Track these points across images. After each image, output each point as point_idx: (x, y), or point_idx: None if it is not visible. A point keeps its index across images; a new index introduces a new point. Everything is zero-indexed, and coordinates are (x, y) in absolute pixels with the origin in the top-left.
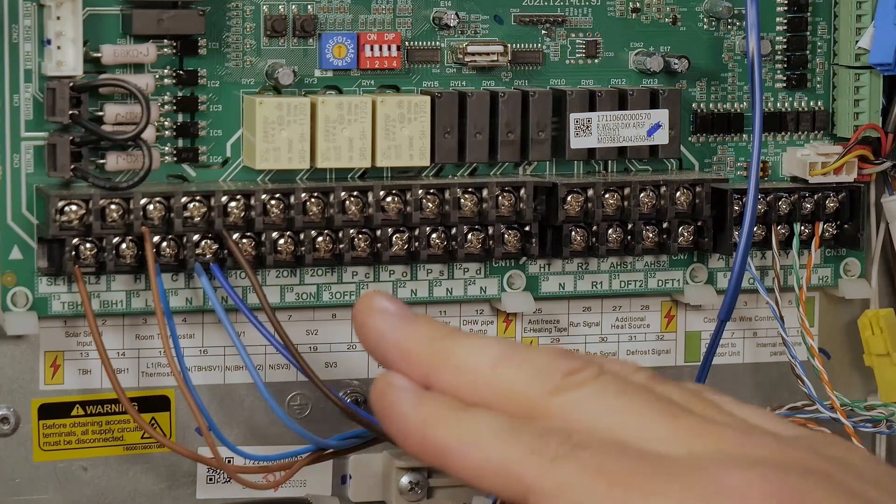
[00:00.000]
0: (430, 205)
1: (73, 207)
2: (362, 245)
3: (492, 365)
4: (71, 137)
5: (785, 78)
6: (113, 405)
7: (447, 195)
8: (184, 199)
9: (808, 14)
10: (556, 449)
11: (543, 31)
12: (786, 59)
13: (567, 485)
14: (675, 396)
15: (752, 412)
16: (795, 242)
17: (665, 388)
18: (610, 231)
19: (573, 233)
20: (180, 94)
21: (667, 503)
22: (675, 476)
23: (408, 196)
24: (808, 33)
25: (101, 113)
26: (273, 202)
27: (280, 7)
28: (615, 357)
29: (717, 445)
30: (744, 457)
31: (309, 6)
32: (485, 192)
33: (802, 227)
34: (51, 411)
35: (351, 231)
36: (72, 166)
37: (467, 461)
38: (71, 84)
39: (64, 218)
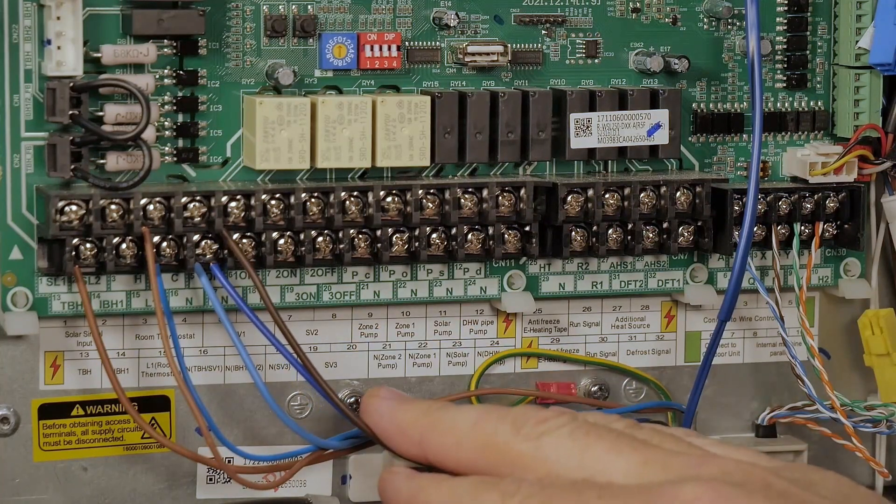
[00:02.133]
0: (431, 205)
1: (73, 207)
2: (362, 245)
3: (473, 424)
4: (71, 137)
5: (785, 78)
6: (113, 405)
7: (447, 195)
8: (184, 199)
9: (808, 14)
10: (525, 491)
11: (543, 31)
12: (786, 59)
13: None
14: (649, 437)
15: (733, 449)
16: (795, 242)
17: (642, 432)
18: (610, 231)
19: (573, 233)
20: (180, 94)
21: None
22: (624, 498)
23: (408, 196)
24: (808, 33)
25: (101, 113)
26: (273, 202)
27: (280, 7)
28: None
29: (679, 471)
30: (700, 476)
31: (309, 6)
32: (485, 192)
33: (802, 227)
34: (51, 411)
35: (351, 231)
36: (72, 166)
37: None
38: (71, 84)
39: (64, 218)
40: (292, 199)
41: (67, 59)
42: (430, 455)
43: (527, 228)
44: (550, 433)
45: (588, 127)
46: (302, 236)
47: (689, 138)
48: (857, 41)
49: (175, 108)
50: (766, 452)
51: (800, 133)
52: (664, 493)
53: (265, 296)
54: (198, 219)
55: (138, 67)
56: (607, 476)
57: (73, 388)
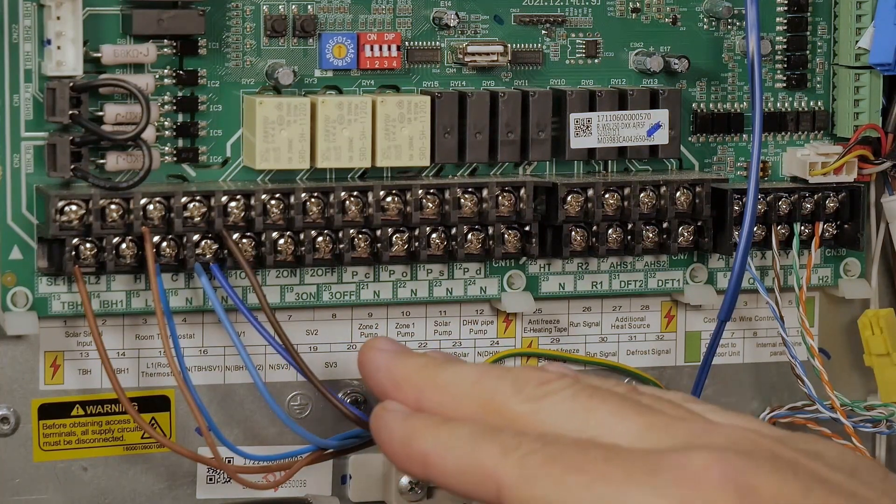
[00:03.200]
0: (430, 205)
1: (73, 207)
2: (362, 245)
3: (473, 382)
4: (71, 137)
5: (785, 78)
6: (113, 405)
7: (447, 195)
8: (184, 199)
9: (808, 14)
10: (527, 447)
11: (543, 31)
12: (786, 59)
13: (531, 477)
14: (651, 402)
15: (734, 416)
16: (795, 242)
17: (643, 396)
18: (610, 231)
19: (573, 233)
20: (180, 94)
21: (610, 484)
22: (629, 462)
23: (408, 196)
24: (808, 33)
25: (101, 113)
26: (273, 202)
27: (280, 7)
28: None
29: (683, 438)
30: (707, 445)
31: (309, 6)
32: (485, 192)
33: (802, 227)
34: (51, 411)
35: (351, 231)
36: (72, 166)
37: (446, 464)
38: (71, 84)
39: (64, 218)
40: (292, 199)
41: (67, 59)
42: (427, 409)
43: (527, 228)
44: (553, 394)
45: (588, 127)
46: (302, 236)
47: (689, 138)
48: (857, 41)
49: (175, 108)
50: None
51: (800, 133)
52: (672, 461)
53: (261, 296)
54: (198, 219)
55: (138, 67)
56: (612, 438)
57: (73, 388)
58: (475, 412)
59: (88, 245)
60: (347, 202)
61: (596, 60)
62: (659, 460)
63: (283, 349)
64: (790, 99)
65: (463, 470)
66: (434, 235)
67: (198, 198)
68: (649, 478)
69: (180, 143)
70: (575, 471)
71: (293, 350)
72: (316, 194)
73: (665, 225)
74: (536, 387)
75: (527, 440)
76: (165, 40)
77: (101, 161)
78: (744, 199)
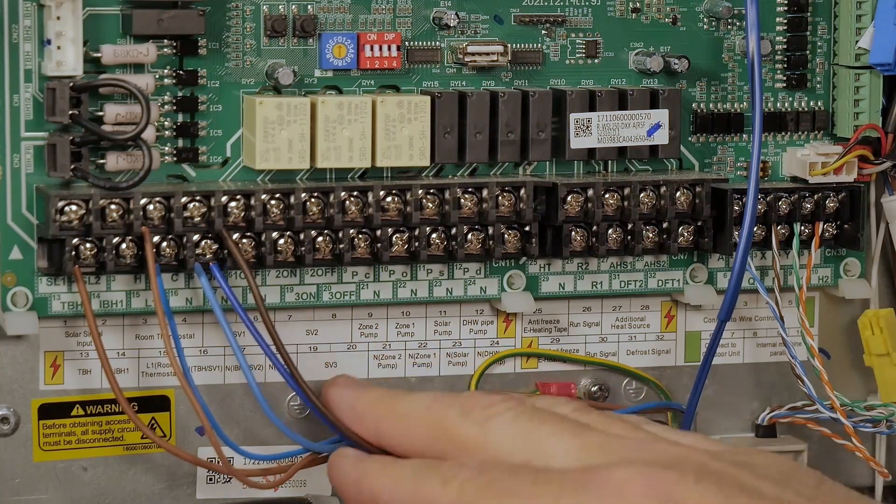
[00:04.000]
0: (430, 205)
1: (73, 207)
2: (362, 245)
3: (425, 408)
4: (71, 137)
5: (785, 78)
6: (113, 405)
7: (447, 195)
8: (184, 199)
9: (808, 14)
10: (464, 475)
11: (543, 31)
12: (786, 59)
13: (468, 503)
14: (594, 422)
15: (681, 435)
16: (795, 242)
17: (589, 416)
18: (610, 231)
19: (573, 233)
20: (180, 94)
21: (540, 501)
22: (558, 482)
23: (408, 196)
24: (808, 33)
25: (101, 113)
26: (273, 202)
27: (280, 7)
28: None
29: (615, 455)
30: (635, 460)
31: (309, 6)
32: (485, 192)
33: (802, 227)
34: (51, 411)
35: (351, 231)
36: (72, 166)
37: (394, 499)
38: (71, 84)
39: (64, 218)
40: (292, 199)
41: (67, 59)
42: (385, 442)
43: (527, 228)
44: (496, 417)
45: (588, 127)
46: (302, 236)
47: (689, 138)
48: (857, 41)
49: (175, 108)
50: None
51: (800, 133)
52: (597, 477)
53: (257, 297)
54: (198, 219)
55: (138, 67)
56: (547, 460)
57: (72, 388)
58: (428, 437)
59: (88, 245)
60: (347, 202)
61: (596, 60)
62: (587, 477)
63: (274, 356)
64: (790, 99)
65: (410, 503)
66: (434, 235)
67: (198, 198)
68: (576, 495)
69: (180, 143)
70: (507, 494)
71: (285, 354)
72: (316, 194)
73: (665, 225)
74: (481, 410)
75: (465, 469)
76: (165, 40)
77: (101, 161)
78: (744, 199)
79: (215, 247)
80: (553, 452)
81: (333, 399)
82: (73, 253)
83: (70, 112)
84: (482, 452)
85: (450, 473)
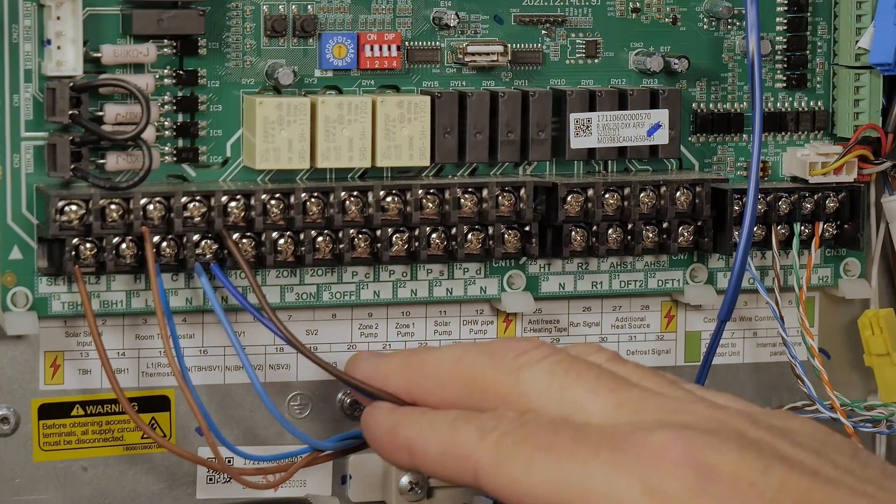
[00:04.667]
0: (430, 205)
1: (73, 207)
2: (362, 245)
3: (455, 361)
4: (71, 137)
5: (785, 78)
6: (113, 405)
7: (447, 195)
8: (184, 199)
9: (808, 14)
10: (503, 428)
11: (543, 31)
12: (786, 59)
13: (504, 457)
14: (631, 375)
15: (715, 394)
16: (795, 242)
17: (624, 367)
18: (610, 231)
19: (573, 233)
20: (180, 94)
21: (577, 462)
22: (596, 441)
23: (408, 196)
24: (808, 33)
25: (101, 113)
26: (273, 202)
27: (280, 7)
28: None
29: (654, 415)
30: (673, 423)
31: (309, 6)
32: (485, 192)
33: (802, 227)
34: (51, 411)
35: (351, 231)
36: (72, 166)
37: (428, 450)
38: (71, 84)
39: (64, 218)
40: (292, 199)
41: (67, 59)
42: (418, 400)
43: (527, 228)
44: (530, 366)
45: (588, 127)
46: (302, 236)
47: (689, 138)
48: (857, 41)
49: (175, 108)
50: None
51: (800, 133)
52: (635, 439)
53: (261, 297)
54: (198, 219)
55: (138, 67)
56: (585, 416)
57: (72, 388)
58: (461, 390)
59: (88, 245)
60: (347, 202)
61: (596, 60)
62: (624, 438)
63: (288, 341)
64: (790, 99)
65: (444, 454)
66: (434, 235)
67: (198, 198)
68: (613, 456)
69: (180, 143)
70: (545, 450)
71: (297, 342)
72: (316, 194)
73: (665, 225)
74: (514, 358)
75: (504, 421)
76: (165, 40)
77: (101, 161)
78: (744, 199)
79: (215, 247)
80: (590, 409)
81: (357, 371)
82: (73, 253)
83: (70, 112)
84: (518, 403)
85: (488, 425)
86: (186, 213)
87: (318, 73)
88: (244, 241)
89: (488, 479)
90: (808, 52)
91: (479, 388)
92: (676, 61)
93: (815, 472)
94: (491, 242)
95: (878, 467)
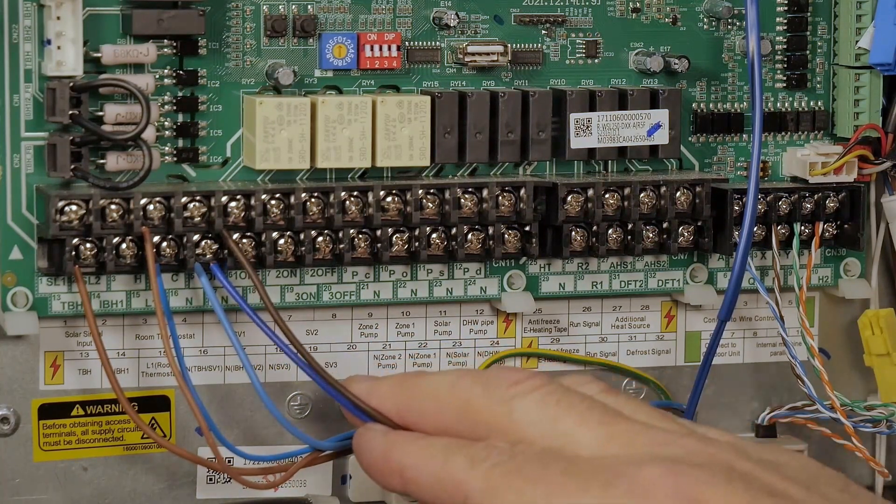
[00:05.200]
0: (430, 205)
1: (73, 207)
2: (362, 245)
3: (449, 387)
4: (71, 137)
5: (785, 78)
6: (113, 405)
7: (447, 195)
8: (184, 199)
9: (808, 14)
10: (494, 459)
11: (543, 31)
12: (786, 59)
13: (494, 488)
14: (622, 407)
15: (706, 428)
16: (795, 242)
17: (616, 399)
18: (610, 231)
19: (573, 233)
20: (180, 94)
21: (567, 495)
22: (586, 474)
23: (408, 196)
24: (808, 33)
25: (101, 113)
26: (273, 202)
27: (280, 7)
28: (578, 376)
29: (644, 448)
30: (663, 456)
31: (309, 6)
32: (485, 192)
33: (802, 227)
34: (51, 411)
35: (351, 231)
36: (72, 166)
37: (421, 476)
38: (71, 84)
39: (64, 218)
40: (292, 199)
41: (67, 59)
42: (411, 424)
43: (527, 228)
44: (523, 396)
45: (588, 127)
46: (302, 236)
47: (689, 138)
48: (857, 41)
49: (175, 108)
50: None
51: (800, 133)
52: (624, 474)
53: (265, 296)
54: (198, 219)
55: (138, 67)
56: (575, 447)
57: (73, 388)
58: (454, 417)
59: (88, 245)
60: (347, 202)
61: (596, 60)
62: (614, 473)
63: (285, 345)
64: (790, 99)
65: (436, 481)
66: (434, 235)
67: (198, 198)
68: (603, 490)
69: (180, 143)
70: (535, 482)
71: (298, 345)
72: (316, 194)
73: (665, 225)
74: (507, 388)
75: (494, 453)
76: (165, 40)
77: (101, 161)
78: (744, 199)
79: (215, 247)
80: (580, 441)
81: (355, 390)
82: (73, 253)
83: (70, 112)
84: (510, 433)
85: (479, 455)
86: (186, 213)
87: (318, 73)
88: (244, 241)
89: None
90: (808, 52)
91: (472, 415)
92: (676, 61)
93: (804, 503)
94: (491, 242)
95: (869, 500)
